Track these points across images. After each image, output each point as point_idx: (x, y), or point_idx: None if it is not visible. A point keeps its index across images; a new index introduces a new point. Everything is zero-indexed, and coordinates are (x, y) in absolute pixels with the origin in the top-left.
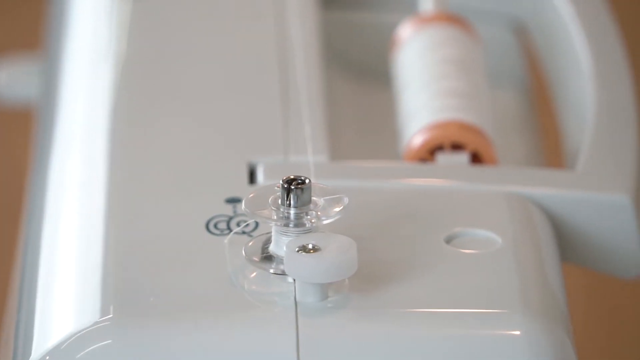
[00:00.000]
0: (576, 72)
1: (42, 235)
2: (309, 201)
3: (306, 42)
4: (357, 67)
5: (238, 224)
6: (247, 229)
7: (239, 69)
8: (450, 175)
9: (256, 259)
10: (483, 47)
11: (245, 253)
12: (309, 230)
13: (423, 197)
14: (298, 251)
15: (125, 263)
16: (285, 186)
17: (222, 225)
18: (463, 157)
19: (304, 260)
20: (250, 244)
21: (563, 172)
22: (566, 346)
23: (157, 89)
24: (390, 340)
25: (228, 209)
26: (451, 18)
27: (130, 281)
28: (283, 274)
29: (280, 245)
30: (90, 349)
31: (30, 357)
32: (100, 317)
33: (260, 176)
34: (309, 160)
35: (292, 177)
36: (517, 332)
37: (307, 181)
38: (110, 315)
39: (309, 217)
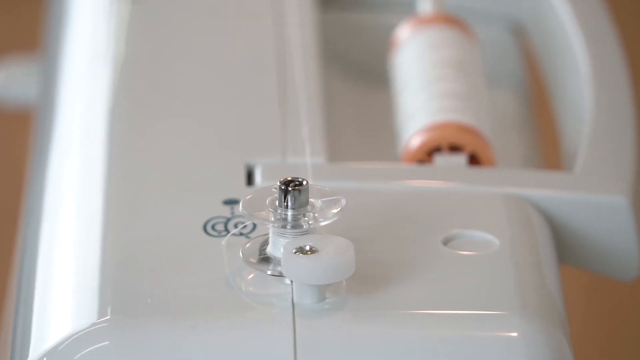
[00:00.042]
0: (574, 73)
1: (40, 236)
2: (307, 203)
3: (304, 43)
4: (356, 68)
5: (236, 226)
6: (244, 231)
7: (237, 70)
8: (448, 176)
9: (253, 260)
10: (481, 49)
11: (242, 254)
12: (307, 232)
13: (421, 199)
14: (295, 253)
15: (123, 264)
16: (283, 188)
17: (220, 227)
18: (461, 159)
19: (301, 261)
20: (247, 245)
21: (561, 174)
22: (563, 347)
23: (155, 90)
24: (387, 341)
25: (226, 211)
26: (449, 19)
27: (127, 282)
28: (280, 275)
29: (278, 247)
30: (87, 350)
31: (28, 358)
32: (98, 319)
33: (258, 177)
34: (306, 161)
35: (289, 178)
36: (515, 334)
37: (304, 183)
38: (108, 317)
39: (306, 218)
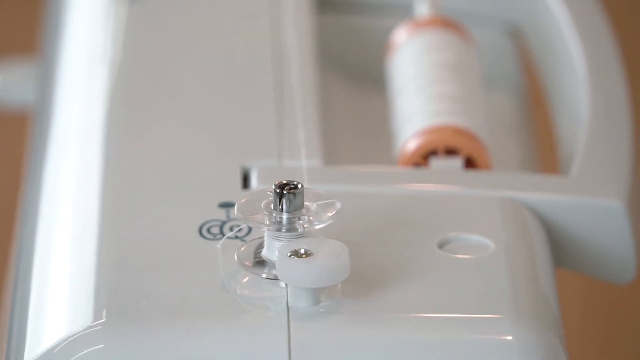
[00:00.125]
0: (571, 76)
1: (35, 238)
2: (302, 206)
3: (301, 45)
4: (353, 71)
5: (231, 229)
6: (240, 234)
7: (233, 73)
8: (444, 180)
9: (248, 263)
10: (478, 52)
11: (237, 258)
12: (302, 235)
13: (416, 202)
14: (290, 256)
15: (118, 267)
16: (278, 191)
17: (215, 230)
18: (457, 162)
19: (296, 265)
20: (242, 248)
21: (557, 177)
22: (558, 351)
23: (152, 92)
24: (382, 345)
25: (221, 214)
26: (446, 22)
27: (123, 285)
28: (275, 278)
29: (273, 250)
30: (82, 353)
31: None
32: (93, 322)
33: (253, 181)
34: (302, 164)
35: (284, 182)
36: (509, 338)
37: (299, 186)
38: (103, 320)
39: (301, 222)
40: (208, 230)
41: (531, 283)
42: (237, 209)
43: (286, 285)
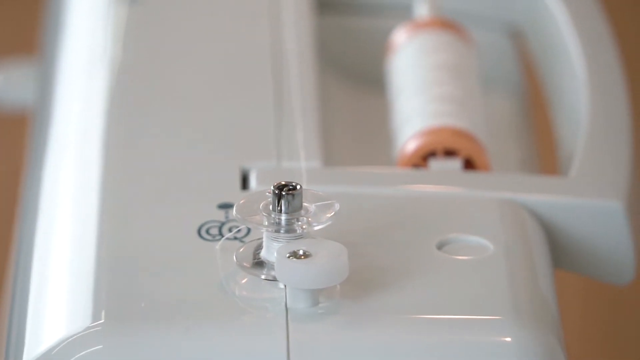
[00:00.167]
0: (571, 77)
1: (34, 240)
2: (300, 207)
3: (301, 46)
4: (352, 72)
5: (230, 230)
6: (238, 235)
7: (233, 74)
8: (443, 181)
9: (247, 264)
10: (477, 53)
11: (236, 259)
12: (300, 236)
13: (415, 203)
14: (289, 257)
15: (117, 268)
16: (277, 192)
17: (214, 231)
18: (456, 163)
19: (294, 266)
20: (241, 250)
21: (556, 179)
22: (557, 352)
23: (151, 93)
24: (381, 346)
25: (220, 215)
26: (446, 24)
27: (122, 286)
28: (274, 279)
29: (272, 251)
30: (81, 353)
31: None
32: (92, 323)
33: (252, 182)
34: (301, 166)
35: (283, 183)
36: (508, 339)
37: (298, 187)
38: (102, 321)
39: (300, 223)
40: (207, 231)
41: (530, 284)
42: (236, 210)
43: (285, 286)
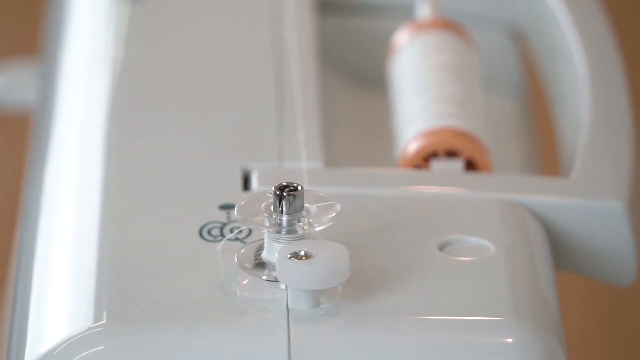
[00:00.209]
0: (572, 78)
1: (36, 240)
2: (301, 208)
3: (302, 47)
4: (354, 73)
5: (231, 231)
6: (240, 236)
7: (234, 75)
8: (445, 182)
9: (248, 265)
10: (479, 54)
11: (237, 260)
12: (301, 237)
13: (417, 204)
14: (290, 258)
15: (119, 269)
16: (278, 193)
17: (216, 232)
18: (457, 164)
19: (295, 266)
20: (242, 250)
21: (557, 180)
22: (558, 353)
23: (153, 94)
24: (382, 347)
25: (222, 216)
26: (447, 24)
27: (123, 287)
28: (275, 280)
29: (273, 252)
30: (83, 354)
31: None
32: (94, 323)
33: (254, 182)
34: (302, 166)
35: (284, 183)
36: (509, 340)
37: (299, 188)
38: (104, 321)
39: (301, 224)
40: (208, 232)
41: (531, 285)
42: (237, 211)
43: (286, 287)
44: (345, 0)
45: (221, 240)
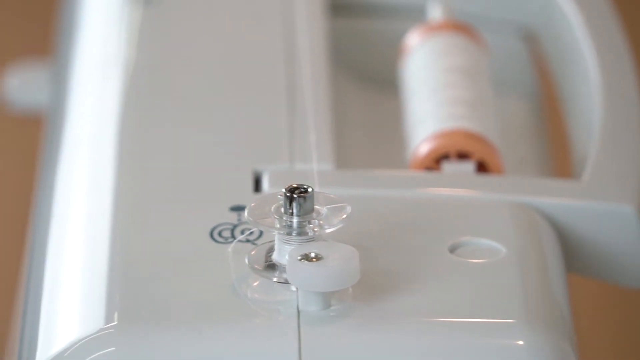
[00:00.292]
0: (584, 79)
1: (48, 241)
2: (312, 210)
3: (314, 49)
4: (365, 75)
5: (242, 232)
6: (251, 237)
7: (246, 76)
8: (456, 184)
9: (259, 267)
10: (490, 56)
11: (248, 261)
12: (312, 239)
13: (428, 206)
14: (300, 260)
15: (130, 270)
16: (288, 195)
17: (227, 234)
18: (469, 166)
19: (305, 268)
20: (253, 252)
21: (569, 182)
22: (569, 356)
23: (164, 95)
24: (393, 349)
25: (233, 217)
26: (459, 26)
27: (135, 288)
28: (286, 282)
29: (283, 254)
30: (94, 355)
31: None
32: (105, 324)
33: (265, 184)
34: (313, 168)
35: (294, 185)
36: (521, 342)
37: (309, 190)
38: (115, 323)
39: (311, 225)
40: (219, 234)
41: (543, 287)
42: (247, 213)
43: (297, 289)
44: (357, 1)
45: (232, 242)
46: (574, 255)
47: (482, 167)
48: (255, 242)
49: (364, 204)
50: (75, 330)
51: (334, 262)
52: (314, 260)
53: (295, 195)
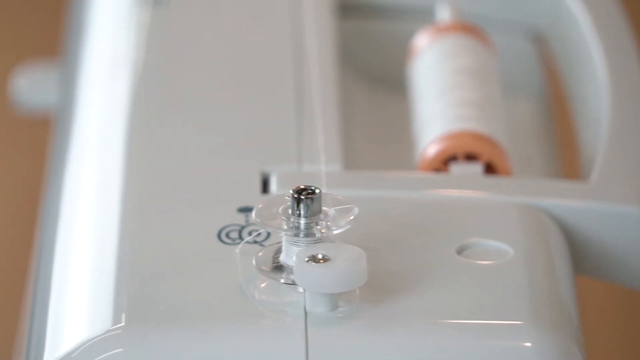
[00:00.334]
0: (593, 81)
1: (56, 242)
2: (319, 211)
3: (322, 50)
4: (373, 76)
5: (250, 233)
6: (258, 239)
7: (254, 77)
8: (464, 185)
9: (266, 268)
10: (498, 57)
11: (255, 263)
12: (319, 240)
13: (436, 208)
14: (308, 261)
15: (138, 271)
16: (296, 196)
17: (234, 235)
18: (477, 168)
19: (313, 270)
20: (260, 253)
21: (577, 183)
22: (576, 358)
23: (173, 96)
24: (400, 351)
25: (240, 218)
26: (467, 28)
27: (142, 290)
28: (293, 283)
29: (291, 255)
30: (102, 356)
31: None
32: (112, 326)
33: (273, 185)
34: (321, 169)
35: (302, 187)
36: (528, 344)
37: (317, 191)
38: (122, 324)
39: (319, 227)
40: (227, 235)
41: (551, 289)
42: (255, 214)
43: (304, 290)
44: (366, 2)
45: (239, 243)
46: (582, 256)
47: (490, 169)
48: (263, 243)
49: (372, 205)
50: (82, 331)
51: (342, 263)
52: (322, 261)
53: (302, 197)
